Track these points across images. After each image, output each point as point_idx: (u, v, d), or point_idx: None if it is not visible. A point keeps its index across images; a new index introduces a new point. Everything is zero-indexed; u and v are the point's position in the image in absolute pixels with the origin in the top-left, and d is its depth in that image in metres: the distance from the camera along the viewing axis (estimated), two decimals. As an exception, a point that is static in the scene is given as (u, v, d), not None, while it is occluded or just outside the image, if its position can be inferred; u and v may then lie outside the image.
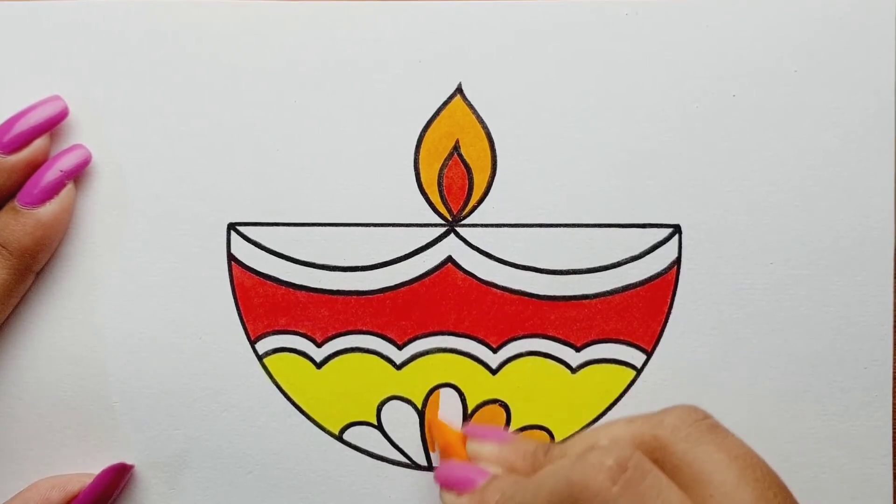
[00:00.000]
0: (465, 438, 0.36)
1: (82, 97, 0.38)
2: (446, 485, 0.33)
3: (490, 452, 0.34)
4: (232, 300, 0.38)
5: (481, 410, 0.38)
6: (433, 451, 0.37)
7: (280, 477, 0.38)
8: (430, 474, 0.38)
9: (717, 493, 0.26)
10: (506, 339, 0.38)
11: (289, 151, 0.38)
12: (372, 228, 0.38)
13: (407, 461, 0.38)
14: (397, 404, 0.38)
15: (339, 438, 0.38)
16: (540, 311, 0.38)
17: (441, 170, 0.38)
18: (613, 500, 0.26)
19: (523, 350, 0.38)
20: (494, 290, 0.38)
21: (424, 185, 0.38)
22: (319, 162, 0.38)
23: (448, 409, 0.38)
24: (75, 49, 0.38)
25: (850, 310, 0.37)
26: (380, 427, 0.38)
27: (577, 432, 0.33)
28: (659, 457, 0.28)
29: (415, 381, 0.38)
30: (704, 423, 0.29)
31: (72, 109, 0.38)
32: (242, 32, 0.38)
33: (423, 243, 0.38)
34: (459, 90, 0.38)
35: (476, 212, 0.38)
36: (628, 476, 0.26)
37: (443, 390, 0.38)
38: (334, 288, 0.38)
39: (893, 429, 0.37)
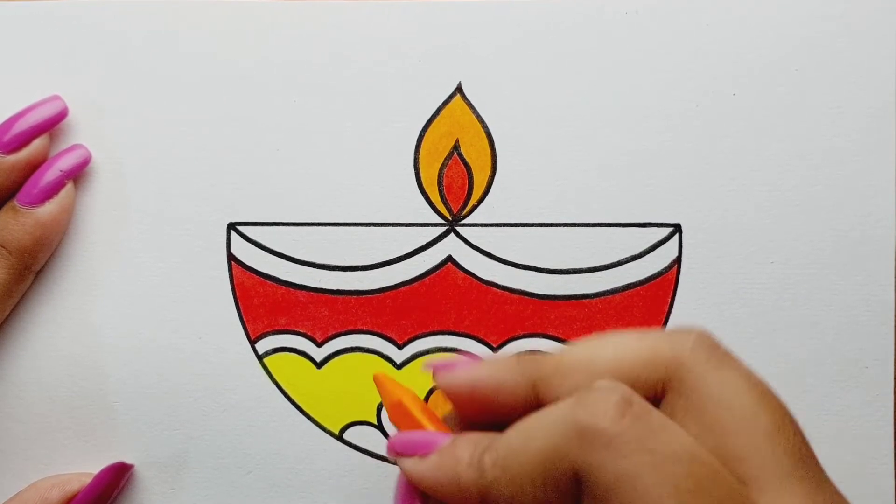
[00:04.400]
0: (424, 406, 0.31)
1: (82, 97, 0.38)
2: (404, 452, 0.29)
3: (472, 372, 0.29)
4: (232, 300, 0.38)
5: (481, 410, 0.38)
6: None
7: (280, 477, 0.38)
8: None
9: (737, 417, 0.26)
10: (506, 338, 0.38)
11: (289, 151, 0.38)
12: (372, 228, 0.38)
13: (407, 461, 0.38)
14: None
15: (339, 438, 0.38)
16: (540, 310, 0.38)
17: (441, 169, 0.38)
18: (625, 432, 0.25)
19: (524, 349, 0.38)
20: (494, 289, 0.38)
21: (424, 185, 0.38)
22: (319, 162, 0.38)
23: (446, 411, 0.38)
24: (75, 49, 0.38)
25: (851, 309, 0.37)
26: (380, 427, 0.38)
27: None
28: (676, 376, 0.27)
29: (415, 381, 0.38)
30: (721, 349, 0.28)
31: (72, 109, 0.38)
32: (242, 32, 0.38)
33: (423, 243, 0.38)
34: (459, 90, 0.38)
35: (476, 211, 0.38)
36: (635, 410, 0.25)
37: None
38: (334, 288, 0.38)
39: (894, 428, 0.37)
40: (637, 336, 0.28)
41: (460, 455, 0.28)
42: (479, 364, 0.29)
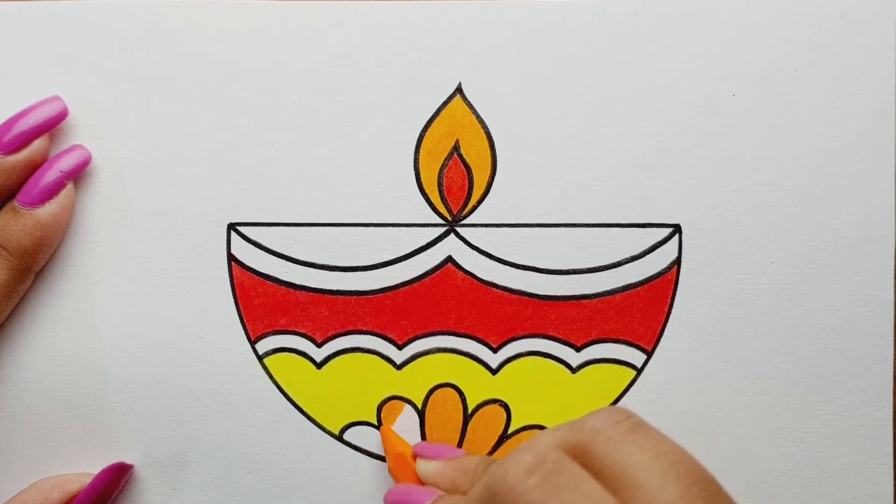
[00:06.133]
0: (415, 454, 0.36)
1: (82, 97, 0.38)
2: None
3: (435, 470, 0.35)
4: (232, 300, 0.38)
5: (481, 410, 0.38)
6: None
7: (280, 477, 0.38)
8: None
9: (641, 494, 0.26)
10: (506, 338, 0.38)
11: (289, 151, 0.38)
12: (372, 228, 0.38)
13: (407, 461, 0.38)
14: (397, 404, 0.38)
15: (339, 438, 0.38)
16: (540, 310, 0.38)
17: (441, 170, 0.38)
18: (529, 492, 0.26)
19: (523, 350, 0.38)
20: (494, 289, 0.38)
21: (424, 185, 0.38)
22: (319, 162, 0.38)
23: (446, 411, 0.38)
24: (75, 49, 0.38)
25: (851, 309, 0.37)
26: (380, 427, 0.38)
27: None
28: (583, 462, 0.28)
29: (415, 381, 0.38)
30: (626, 423, 0.29)
31: (72, 109, 0.38)
32: (242, 32, 0.38)
33: (423, 243, 0.38)
34: (459, 90, 0.38)
35: (476, 212, 0.38)
36: (546, 469, 0.27)
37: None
38: (334, 288, 0.38)
39: (894, 428, 0.37)
40: (552, 430, 0.30)
41: None
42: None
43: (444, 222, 0.38)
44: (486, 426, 0.38)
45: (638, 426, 0.28)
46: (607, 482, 0.27)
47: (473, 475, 0.33)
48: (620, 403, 0.38)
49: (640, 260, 0.38)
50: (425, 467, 0.35)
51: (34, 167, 0.37)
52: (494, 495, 0.27)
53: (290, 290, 0.38)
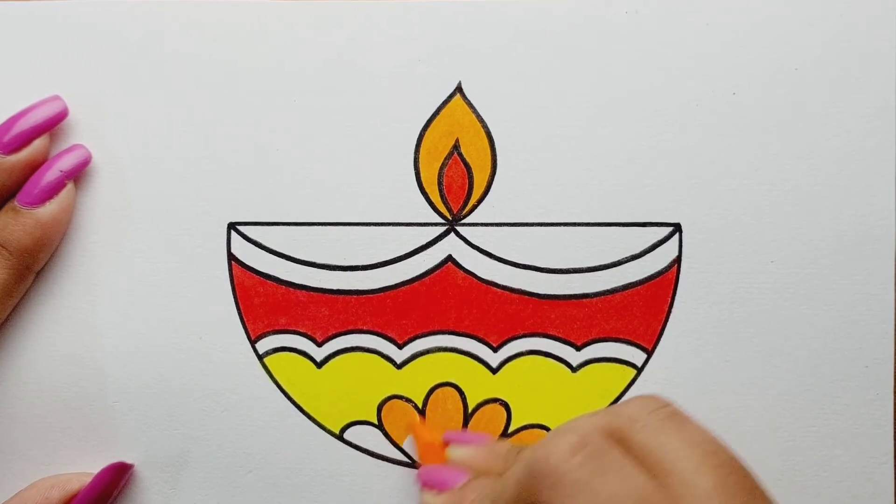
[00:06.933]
0: (445, 442, 0.36)
1: (82, 97, 0.38)
2: (427, 485, 0.35)
3: (468, 454, 0.35)
4: (232, 300, 0.38)
5: (482, 410, 0.38)
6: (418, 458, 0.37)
7: (280, 476, 0.38)
8: (430, 474, 0.38)
9: (677, 481, 0.26)
10: (506, 338, 0.38)
11: (289, 151, 0.38)
12: (372, 228, 0.38)
13: (407, 461, 0.38)
14: (398, 403, 0.38)
15: (340, 438, 0.38)
16: (540, 309, 0.38)
17: (441, 169, 0.38)
18: (573, 471, 0.26)
19: (524, 349, 0.38)
20: (495, 289, 0.38)
21: (424, 185, 0.38)
22: (319, 162, 0.38)
23: (446, 410, 0.38)
24: (75, 49, 0.38)
25: (851, 309, 0.37)
26: (380, 426, 0.38)
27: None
28: (620, 448, 0.28)
29: (415, 381, 0.38)
30: (664, 411, 0.29)
31: (72, 109, 0.38)
32: (242, 32, 0.38)
33: (424, 242, 0.38)
34: (459, 89, 0.38)
35: (476, 211, 0.38)
36: (590, 450, 0.27)
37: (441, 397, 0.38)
38: (334, 287, 0.38)
39: (894, 428, 0.37)
40: (589, 415, 0.30)
41: (466, 497, 0.32)
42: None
43: (444, 221, 0.38)
44: (487, 425, 0.38)
45: (674, 415, 0.29)
46: (643, 468, 0.27)
47: (506, 459, 0.33)
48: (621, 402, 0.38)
49: (640, 259, 0.38)
50: (457, 452, 0.35)
51: (34, 167, 0.37)
52: (536, 474, 0.27)
53: (291, 289, 0.38)
